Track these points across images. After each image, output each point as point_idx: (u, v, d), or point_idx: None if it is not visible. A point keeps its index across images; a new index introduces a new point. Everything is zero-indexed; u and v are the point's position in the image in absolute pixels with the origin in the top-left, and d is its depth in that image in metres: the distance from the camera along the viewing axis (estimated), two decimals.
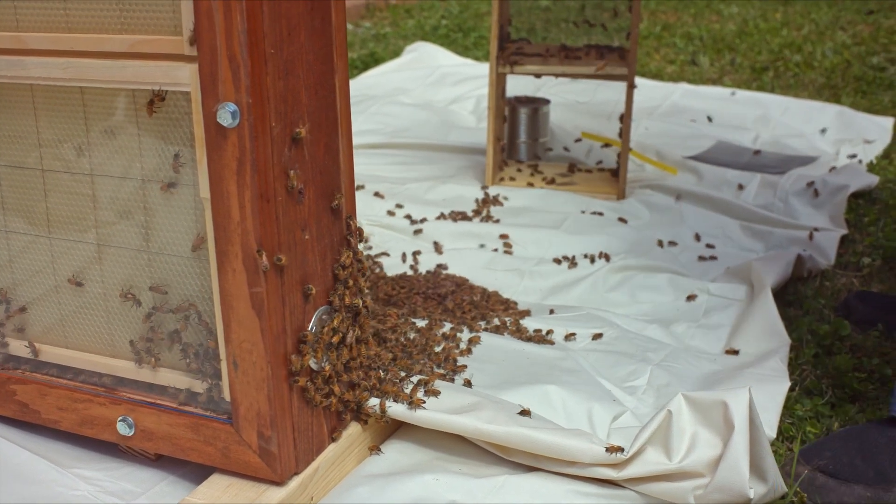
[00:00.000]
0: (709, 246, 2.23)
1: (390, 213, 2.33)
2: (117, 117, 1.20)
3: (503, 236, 2.20)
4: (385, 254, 2.11)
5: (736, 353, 1.71)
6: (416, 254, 2.11)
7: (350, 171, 1.25)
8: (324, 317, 1.23)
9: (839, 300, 1.95)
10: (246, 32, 1.04)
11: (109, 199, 1.24)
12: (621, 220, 2.28)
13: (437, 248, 2.15)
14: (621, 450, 1.23)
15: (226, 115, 1.07)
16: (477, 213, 2.37)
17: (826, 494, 1.31)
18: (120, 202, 1.24)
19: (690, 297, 1.94)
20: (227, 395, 1.20)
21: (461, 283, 1.93)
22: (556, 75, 2.59)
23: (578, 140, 2.86)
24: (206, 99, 1.09)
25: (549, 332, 1.71)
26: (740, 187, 2.60)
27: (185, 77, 1.11)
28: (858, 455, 1.34)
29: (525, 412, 1.34)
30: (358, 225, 1.27)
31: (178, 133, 1.17)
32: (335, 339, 1.24)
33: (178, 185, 1.19)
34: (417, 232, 2.23)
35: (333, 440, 1.28)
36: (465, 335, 1.62)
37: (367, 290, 1.29)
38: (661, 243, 2.22)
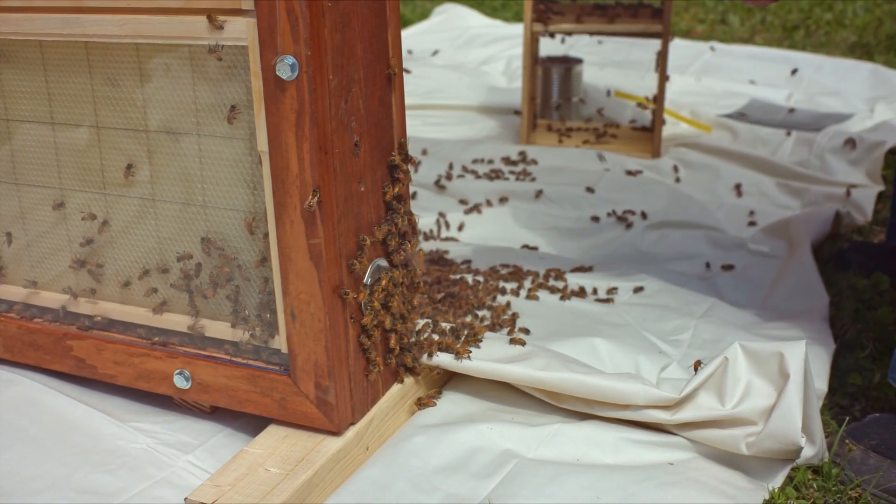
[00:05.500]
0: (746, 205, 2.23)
1: (426, 174, 2.34)
2: (172, 73, 1.21)
3: (540, 195, 2.21)
4: (421, 215, 2.11)
5: (772, 308, 1.72)
6: (452, 214, 2.12)
7: (402, 124, 1.25)
8: (378, 267, 1.24)
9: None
10: None
11: (164, 154, 1.25)
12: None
13: (476, 207, 2.15)
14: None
15: (285, 68, 1.08)
16: (513, 172, 2.37)
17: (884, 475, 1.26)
18: (175, 157, 1.25)
19: (728, 254, 1.94)
20: (283, 347, 1.22)
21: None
22: (591, 34, 2.59)
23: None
24: (264, 52, 1.09)
25: (594, 289, 1.72)
26: (788, 133, 2.60)
27: (241, 31, 1.12)
28: None
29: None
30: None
31: (234, 87, 1.18)
32: (390, 286, 1.25)
33: (234, 139, 1.20)
34: (454, 192, 2.24)
35: (387, 391, 1.30)
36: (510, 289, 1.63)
37: (419, 240, 1.30)
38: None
